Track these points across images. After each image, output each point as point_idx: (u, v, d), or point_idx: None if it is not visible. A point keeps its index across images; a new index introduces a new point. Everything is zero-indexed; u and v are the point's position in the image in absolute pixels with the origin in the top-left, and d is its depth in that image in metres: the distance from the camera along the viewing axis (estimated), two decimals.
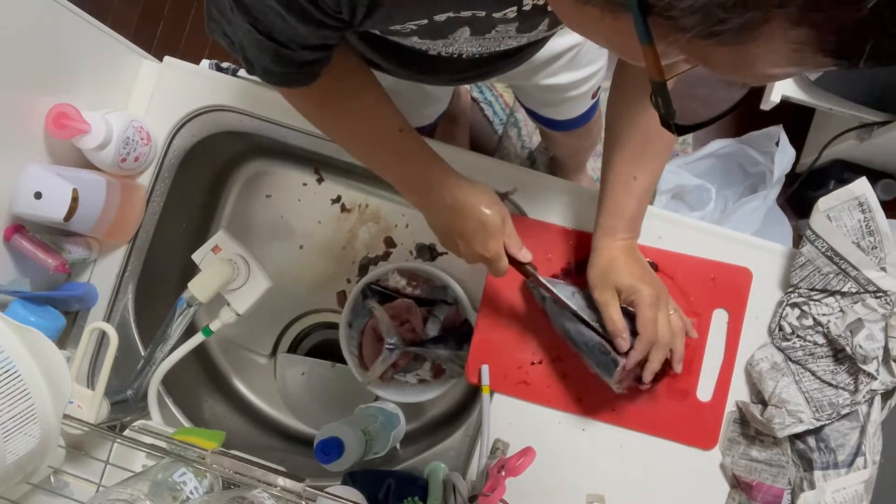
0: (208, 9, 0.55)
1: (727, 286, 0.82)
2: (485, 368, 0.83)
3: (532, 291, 0.82)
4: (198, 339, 0.89)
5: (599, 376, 0.76)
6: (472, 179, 0.71)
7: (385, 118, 0.69)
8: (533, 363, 0.84)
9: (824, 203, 0.78)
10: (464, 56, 0.63)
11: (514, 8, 0.53)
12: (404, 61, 0.66)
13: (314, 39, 0.55)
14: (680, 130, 0.40)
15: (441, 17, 0.52)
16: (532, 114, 1.08)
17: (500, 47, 0.62)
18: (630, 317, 0.72)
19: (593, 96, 1.00)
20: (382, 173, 0.73)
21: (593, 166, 1.64)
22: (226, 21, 0.54)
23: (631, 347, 0.71)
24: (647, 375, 0.72)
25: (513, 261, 0.73)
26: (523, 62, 0.77)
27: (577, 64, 0.88)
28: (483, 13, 0.52)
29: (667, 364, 0.76)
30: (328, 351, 1.10)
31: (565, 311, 0.76)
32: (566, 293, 0.76)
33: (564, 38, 0.82)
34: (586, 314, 0.74)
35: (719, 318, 0.82)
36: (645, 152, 0.71)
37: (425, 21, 0.52)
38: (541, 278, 0.75)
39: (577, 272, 0.84)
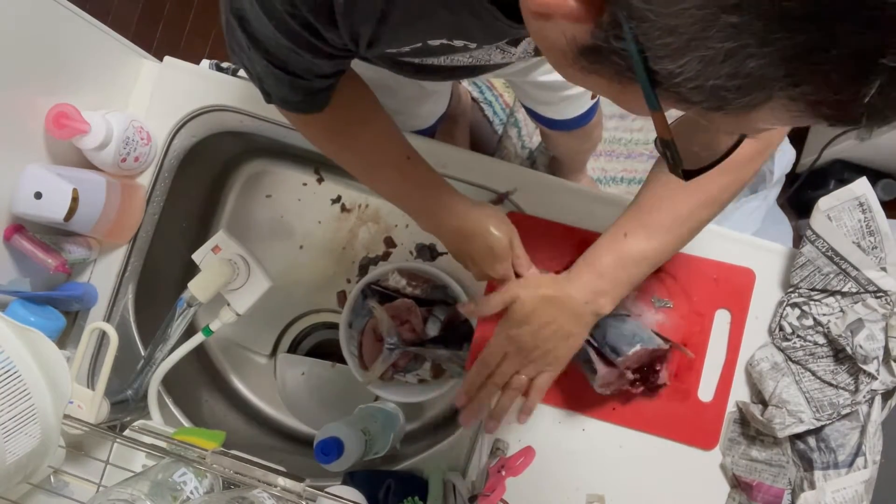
0: (228, 43, 0.58)
1: (730, 286, 0.82)
2: None
3: None
4: (198, 339, 0.89)
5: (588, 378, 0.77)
6: (478, 202, 0.73)
7: (393, 146, 0.71)
8: None
9: (824, 203, 0.78)
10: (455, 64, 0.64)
11: (505, 41, 0.55)
12: (397, 66, 0.67)
13: (328, 69, 0.58)
14: (687, 175, 0.42)
15: (435, 42, 0.54)
16: (532, 113, 1.08)
17: (490, 62, 0.64)
18: (629, 324, 0.74)
19: (593, 97, 1.00)
20: (391, 199, 0.75)
21: (593, 166, 1.64)
22: (245, 56, 0.57)
23: (615, 352, 0.73)
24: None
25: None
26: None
27: None
28: (474, 45, 0.54)
29: (652, 373, 0.77)
30: (328, 351, 1.10)
31: None
32: None
33: None
34: None
35: (721, 319, 0.82)
36: (646, 214, 0.66)
37: (420, 45, 0.55)
38: None
39: None
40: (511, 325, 0.70)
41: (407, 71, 0.66)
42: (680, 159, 0.39)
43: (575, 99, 0.97)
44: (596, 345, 0.75)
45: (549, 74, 0.90)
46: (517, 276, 0.74)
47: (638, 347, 0.73)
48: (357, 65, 0.78)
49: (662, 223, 0.65)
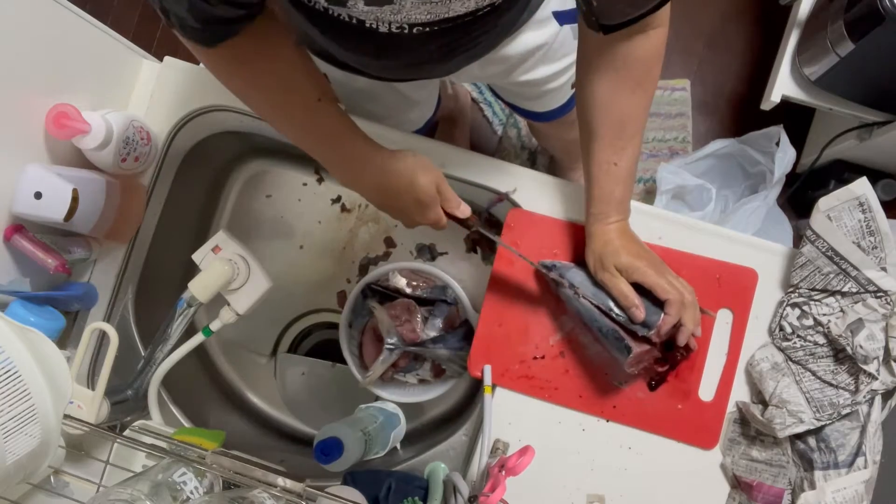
0: None
1: (732, 287, 0.82)
2: (487, 369, 0.83)
3: (546, 278, 0.82)
4: (198, 339, 0.89)
5: (616, 358, 0.77)
6: (397, 150, 0.70)
7: (303, 84, 0.66)
8: (535, 358, 0.84)
9: (824, 203, 0.78)
10: (415, 30, 0.61)
11: None
12: (358, 43, 0.65)
13: None
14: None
15: None
16: (513, 107, 1.09)
17: (449, 13, 0.60)
18: (645, 293, 0.73)
19: (573, 87, 1.00)
20: (302, 147, 0.70)
21: None
22: None
23: (645, 325, 0.73)
24: (683, 339, 0.74)
25: (454, 217, 0.75)
26: (486, 47, 0.76)
27: (551, 57, 0.89)
28: None
29: (672, 361, 0.77)
30: (328, 351, 1.10)
31: (578, 295, 0.77)
32: (578, 279, 0.77)
33: (535, 34, 0.82)
34: (598, 299, 0.76)
35: (723, 319, 0.82)
36: (620, 138, 0.72)
37: None
38: (541, 266, 0.78)
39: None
40: (648, 273, 0.72)
41: (365, 44, 0.63)
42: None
43: (555, 91, 0.97)
44: (623, 322, 0.74)
45: (528, 73, 0.90)
46: (449, 216, 0.74)
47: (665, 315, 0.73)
48: (327, 69, 0.77)
49: (631, 134, 0.72)
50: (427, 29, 0.61)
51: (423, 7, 0.58)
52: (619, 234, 0.75)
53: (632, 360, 0.74)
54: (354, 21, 0.60)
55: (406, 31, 0.61)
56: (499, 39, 0.78)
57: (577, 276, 0.78)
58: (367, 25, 0.60)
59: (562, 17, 0.83)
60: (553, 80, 0.93)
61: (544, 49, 0.86)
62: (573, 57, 0.92)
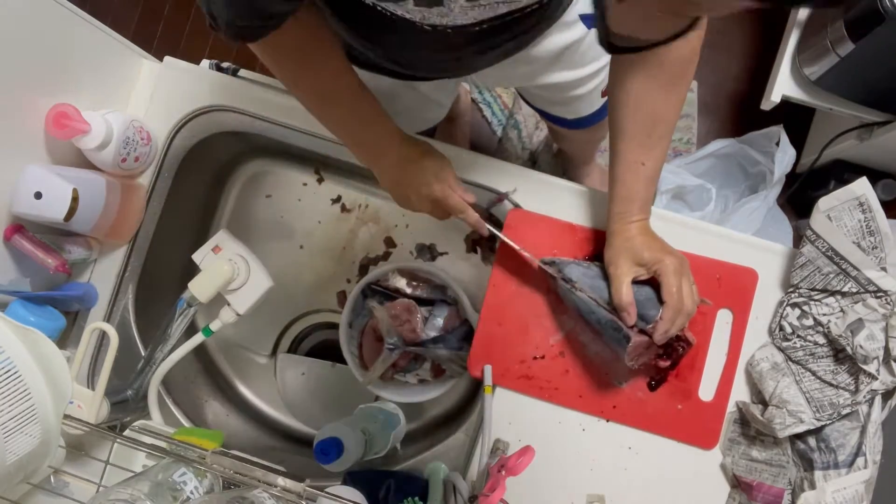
0: None
1: (732, 286, 0.82)
2: (487, 369, 0.83)
3: (544, 274, 0.82)
4: (198, 339, 0.89)
5: (616, 352, 0.77)
6: (415, 137, 0.79)
7: (348, 77, 0.73)
8: (535, 358, 0.84)
9: (825, 203, 0.78)
10: (449, 29, 0.62)
11: None
12: (399, 37, 0.67)
13: None
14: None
15: None
16: (541, 112, 1.08)
17: (496, 11, 0.61)
18: (654, 287, 0.74)
19: (603, 94, 0.99)
20: (338, 132, 0.78)
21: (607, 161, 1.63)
22: None
23: (643, 319, 0.73)
24: (661, 338, 0.73)
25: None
26: (522, 44, 0.77)
27: (579, 62, 0.88)
28: None
29: (676, 339, 0.77)
30: (328, 351, 1.10)
31: (575, 289, 0.77)
32: (576, 273, 0.77)
33: (562, 36, 0.82)
34: (596, 293, 0.76)
35: (723, 319, 0.82)
36: (650, 138, 0.72)
37: None
38: (527, 252, 0.80)
39: None
40: (668, 270, 0.73)
41: (401, 40, 0.64)
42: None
43: (585, 98, 0.96)
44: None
45: (553, 76, 0.89)
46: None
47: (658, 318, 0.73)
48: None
49: (661, 134, 0.73)
50: (468, 28, 0.62)
51: (471, 13, 0.58)
52: (641, 232, 0.75)
53: (631, 350, 0.73)
54: (398, 12, 0.60)
55: (446, 29, 0.61)
56: (534, 37, 0.78)
57: (575, 270, 0.78)
58: (409, 19, 0.61)
59: (589, 21, 0.83)
60: (581, 84, 0.92)
61: (571, 51, 0.85)
62: (601, 62, 0.91)
